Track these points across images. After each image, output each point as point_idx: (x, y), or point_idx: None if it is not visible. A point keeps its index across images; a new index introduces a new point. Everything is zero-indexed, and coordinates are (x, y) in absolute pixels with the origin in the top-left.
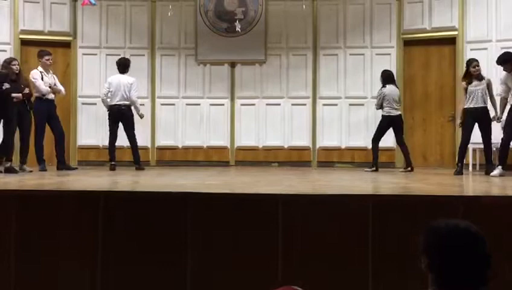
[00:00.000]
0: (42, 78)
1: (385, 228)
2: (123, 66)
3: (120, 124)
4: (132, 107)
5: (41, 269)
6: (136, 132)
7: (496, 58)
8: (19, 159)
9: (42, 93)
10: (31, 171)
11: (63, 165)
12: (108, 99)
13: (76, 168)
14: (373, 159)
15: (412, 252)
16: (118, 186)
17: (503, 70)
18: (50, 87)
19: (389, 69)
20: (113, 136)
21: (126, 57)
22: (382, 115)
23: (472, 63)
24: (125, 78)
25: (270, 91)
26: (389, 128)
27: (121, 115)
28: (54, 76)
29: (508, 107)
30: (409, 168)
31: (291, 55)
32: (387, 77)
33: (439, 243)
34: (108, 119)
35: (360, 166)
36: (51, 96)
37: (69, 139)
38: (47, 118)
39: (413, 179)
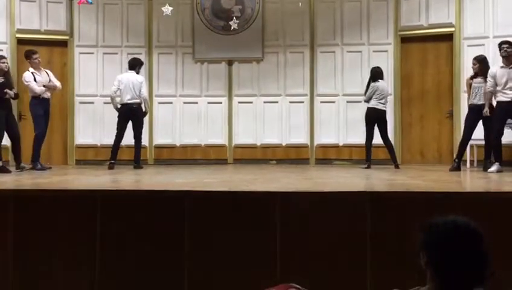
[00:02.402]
0: (35, 79)
1: (383, 225)
2: (134, 64)
3: (129, 123)
4: (142, 105)
5: (39, 269)
6: None
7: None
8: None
9: (37, 94)
10: (30, 168)
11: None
12: (118, 98)
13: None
14: (366, 156)
15: (410, 249)
16: (116, 185)
17: None
18: (44, 86)
19: (386, 65)
20: (119, 135)
21: (123, 55)
22: (368, 108)
23: (473, 60)
24: (134, 77)
25: (267, 89)
26: (375, 122)
27: (132, 114)
28: (48, 72)
29: (494, 102)
30: (395, 165)
31: (289, 52)
32: (377, 74)
33: (438, 239)
34: (119, 117)
35: (358, 163)
36: (47, 95)
37: (67, 138)
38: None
39: (411, 176)
